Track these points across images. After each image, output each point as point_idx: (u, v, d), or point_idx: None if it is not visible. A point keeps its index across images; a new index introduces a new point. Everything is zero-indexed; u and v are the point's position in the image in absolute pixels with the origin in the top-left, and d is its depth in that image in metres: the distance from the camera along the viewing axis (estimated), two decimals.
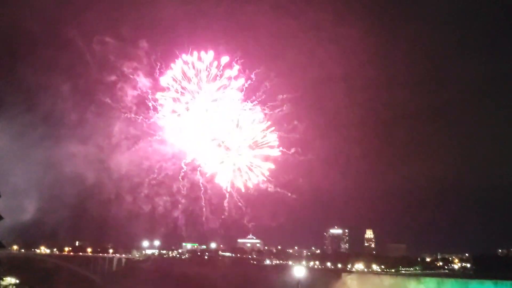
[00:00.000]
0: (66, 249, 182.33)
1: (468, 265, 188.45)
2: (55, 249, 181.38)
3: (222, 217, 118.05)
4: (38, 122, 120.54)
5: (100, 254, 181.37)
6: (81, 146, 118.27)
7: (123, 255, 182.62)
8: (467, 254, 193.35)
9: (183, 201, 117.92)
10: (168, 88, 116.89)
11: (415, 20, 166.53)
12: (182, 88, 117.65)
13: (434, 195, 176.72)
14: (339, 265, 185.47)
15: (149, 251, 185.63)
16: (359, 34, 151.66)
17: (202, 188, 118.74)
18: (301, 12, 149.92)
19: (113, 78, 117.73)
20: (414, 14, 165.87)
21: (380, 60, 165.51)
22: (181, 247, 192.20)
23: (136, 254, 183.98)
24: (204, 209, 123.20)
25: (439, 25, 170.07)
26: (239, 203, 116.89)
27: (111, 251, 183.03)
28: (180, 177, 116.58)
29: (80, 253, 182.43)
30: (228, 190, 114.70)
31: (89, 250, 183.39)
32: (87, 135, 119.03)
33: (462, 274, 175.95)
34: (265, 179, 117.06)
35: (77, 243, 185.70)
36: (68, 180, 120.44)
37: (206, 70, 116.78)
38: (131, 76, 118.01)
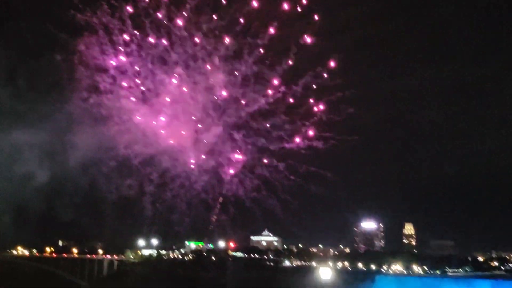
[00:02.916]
0: (48, 250, 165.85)
1: None
2: (34, 250, 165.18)
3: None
4: None
5: (88, 256, 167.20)
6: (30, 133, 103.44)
7: (115, 257, 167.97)
8: None
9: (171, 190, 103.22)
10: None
11: None
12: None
13: (487, 182, 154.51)
14: (373, 266, 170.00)
15: (145, 252, 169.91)
16: None
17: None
18: None
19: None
20: None
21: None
22: (183, 246, 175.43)
23: (130, 256, 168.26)
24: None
25: None
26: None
27: (100, 252, 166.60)
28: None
29: (65, 255, 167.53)
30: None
31: (75, 251, 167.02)
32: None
33: None
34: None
35: (60, 243, 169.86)
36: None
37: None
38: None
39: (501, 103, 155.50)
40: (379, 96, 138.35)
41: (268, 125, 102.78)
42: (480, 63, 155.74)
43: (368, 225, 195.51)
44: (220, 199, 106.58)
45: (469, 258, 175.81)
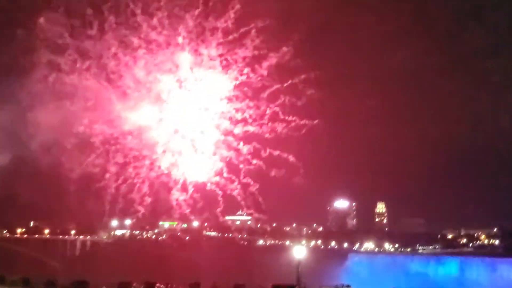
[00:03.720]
0: (19, 230, 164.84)
1: (497, 242, 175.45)
2: (5, 231, 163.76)
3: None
4: None
5: (60, 236, 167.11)
6: None
7: (88, 237, 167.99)
8: (495, 229, 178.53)
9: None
10: None
11: None
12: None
13: (457, 160, 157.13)
14: (345, 245, 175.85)
15: (119, 232, 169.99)
16: None
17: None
18: None
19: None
20: None
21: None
22: (157, 226, 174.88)
23: (103, 236, 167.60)
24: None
25: None
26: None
27: (73, 232, 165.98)
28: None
29: (36, 235, 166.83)
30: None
31: (46, 231, 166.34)
32: None
33: (489, 252, 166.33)
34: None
35: (31, 224, 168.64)
36: None
37: None
38: None
39: (477, 82, 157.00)
40: (350, 77, 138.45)
41: (232, 107, 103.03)
42: (457, 41, 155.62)
43: (341, 204, 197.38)
44: (183, 180, 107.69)
45: (439, 236, 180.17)
